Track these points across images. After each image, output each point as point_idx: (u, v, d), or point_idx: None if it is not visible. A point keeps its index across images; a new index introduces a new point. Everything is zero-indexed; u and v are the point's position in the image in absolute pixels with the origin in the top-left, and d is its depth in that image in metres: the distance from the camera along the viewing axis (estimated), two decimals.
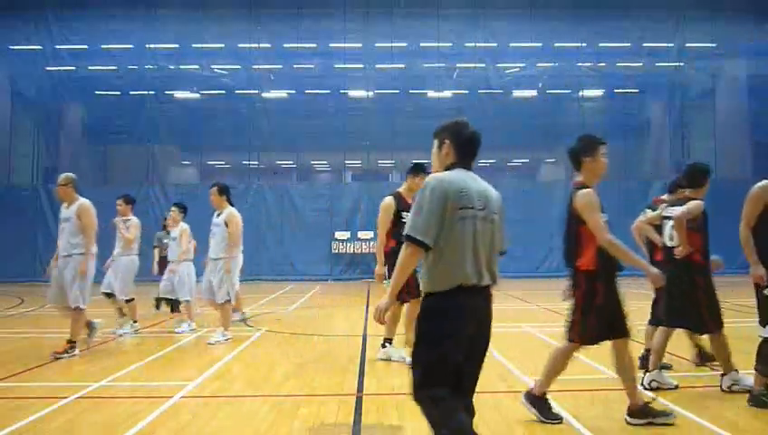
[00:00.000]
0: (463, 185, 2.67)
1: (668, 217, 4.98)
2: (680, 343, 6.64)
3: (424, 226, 2.56)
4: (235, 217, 7.20)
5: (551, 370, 4.12)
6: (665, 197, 5.78)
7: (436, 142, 2.93)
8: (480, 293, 2.66)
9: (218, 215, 7.27)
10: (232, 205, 7.29)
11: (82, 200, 6.52)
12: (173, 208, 8.45)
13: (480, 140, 2.98)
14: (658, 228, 5.37)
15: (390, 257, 5.63)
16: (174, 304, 8.89)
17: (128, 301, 7.95)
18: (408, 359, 5.02)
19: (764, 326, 4.17)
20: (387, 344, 5.94)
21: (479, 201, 2.68)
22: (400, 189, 6.04)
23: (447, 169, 2.80)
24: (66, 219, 6.45)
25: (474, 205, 2.64)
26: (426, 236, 2.56)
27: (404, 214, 5.70)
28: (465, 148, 2.90)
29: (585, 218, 3.86)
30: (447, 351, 2.62)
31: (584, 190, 3.86)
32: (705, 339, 5.22)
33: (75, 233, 6.42)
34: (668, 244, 5.03)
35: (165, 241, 9.30)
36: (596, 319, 3.97)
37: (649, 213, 5.72)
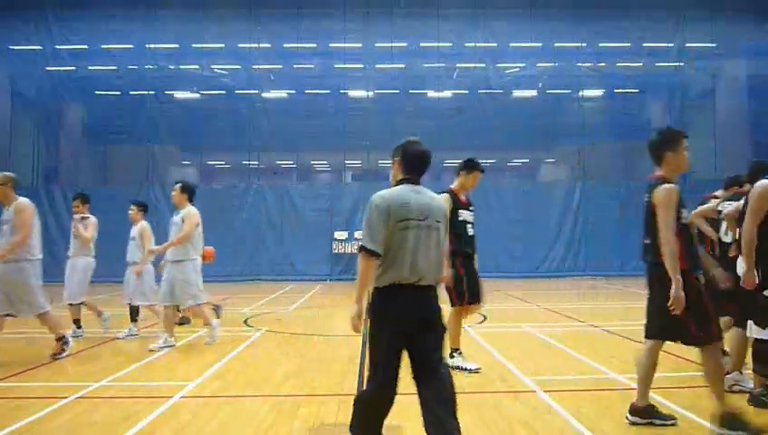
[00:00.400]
0: (404, 199, 3.03)
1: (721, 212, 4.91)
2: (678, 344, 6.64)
3: (374, 237, 2.98)
4: (193, 216, 6.86)
5: (645, 377, 4.00)
6: (718, 193, 5.59)
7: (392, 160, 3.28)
8: (418, 290, 3.04)
9: (177, 214, 6.98)
10: (192, 204, 7.02)
11: (20, 200, 6.18)
12: (131, 207, 7.95)
13: (427, 157, 3.20)
14: (714, 223, 5.20)
15: (449, 259, 5.33)
16: (133, 311, 7.78)
17: (76, 304, 7.63)
18: (472, 365, 5.22)
19: (764, 328, 4.10)
20: (455, 354, 5.49)
21: (420, 213, 3.03)
22: (453, 187, 5.69)
23: (398, 183, 3.15)
24: (5, 221, 6.06)
25: (413, 217, 3.01)
26: (375, 246, 2.97)
27: (461, 212, 5.50)
28: (411, 164, 3.18)
29: (657, 213, 3.75)
30: (380, 343, 3.09)
31: (665, 186, 3.75)
32: None
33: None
34: (723, 239, 4.97)
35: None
36: (695, 315, 3.75)
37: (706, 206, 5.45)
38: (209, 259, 8.72)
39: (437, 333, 3.11)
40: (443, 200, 3.67)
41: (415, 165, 3.17)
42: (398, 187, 3.13)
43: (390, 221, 2.98)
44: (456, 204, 5.51)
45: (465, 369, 5.35)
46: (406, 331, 3.02)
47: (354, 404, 3.23)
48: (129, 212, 7.93)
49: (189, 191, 7.04)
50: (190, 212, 6.88)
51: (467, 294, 5.45)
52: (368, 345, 3.17)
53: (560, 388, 4.81)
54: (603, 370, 5.45)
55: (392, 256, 3.00)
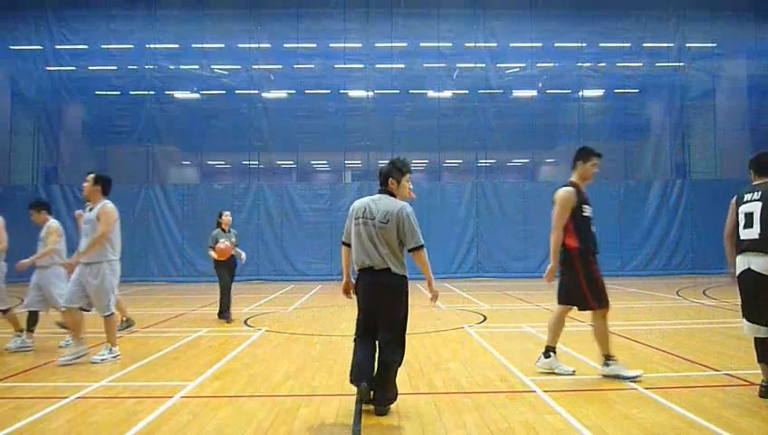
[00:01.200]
0: (363, 204, 4.31)
1: None
2: (678, 342, 6.64)
3: (346, 232, 4.37)
4: (109, 212, 6.06)
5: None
6: None
7: None
8: (370, 272, 4.20)
9: (90, 209, 6.18)
10: (107, 198, 6.25)
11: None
12: (31, 211, 7.25)
13: (382, 172, 4.42)
14: None
15: (572, 257, 5.09)
16: (32, 317, 6.99)
17: (3, 311, 6.95)
18: (568, 369, 5.31)
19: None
20: (551, 354, 5.27)
21: (370, 213, 4.23)
22: (573, 179, 5.25)
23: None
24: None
25: (364, 216, 4.24)
26: (346, 238, 4.38)
27: (584, 207, 5.12)
28: (379, 178, 4.44)
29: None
30: (359, 308, 4.39)
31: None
32: None
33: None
34: None
35: (222, 240, 8.89)
36: None
37: None
38: (224, 257, 8.87)
39: (384, 308, 4.29)
40: (565, 195, 5.02)
41: (381, 179, 4.45)
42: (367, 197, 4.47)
43: (352, 220, 4.35)
44: (580, 198, 5.14)
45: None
46: (368, 303, 4.39)
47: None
48: (31, 216, 7.23)
49: (104, 183, 6.22)
50: (107, 208, 6.07)
51: (605, 297, 5.08)
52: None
53: (560, 388, 4.81)
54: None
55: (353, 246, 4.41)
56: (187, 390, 4.88)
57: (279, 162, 21.48)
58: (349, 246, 4.33)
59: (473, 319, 9.03)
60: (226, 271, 9.13)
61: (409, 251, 4.22)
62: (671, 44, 19.17)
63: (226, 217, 9.27)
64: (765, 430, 3.76)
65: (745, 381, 4.94)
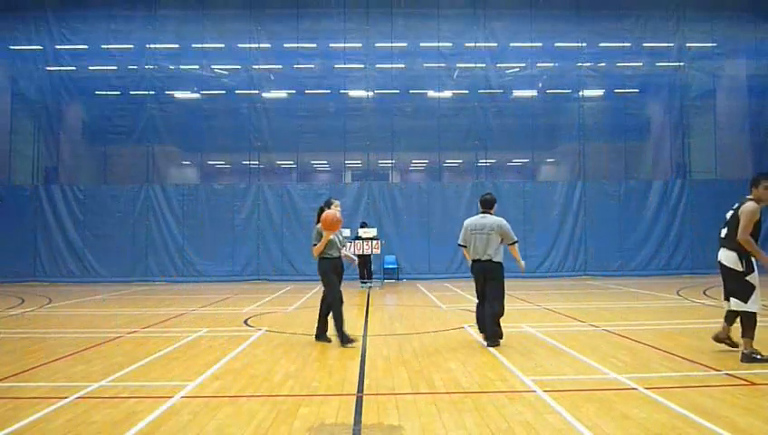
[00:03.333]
0: (473, 221, 7.00)
1: None
2: (678, 342, 6.64)
3: (462, 237, 7.02)
4: None
5: None
6: None
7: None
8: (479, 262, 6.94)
9: None
10: None
11: None
12: None
13: (485, 200, 7.20)
14: None
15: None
16: None
17: None
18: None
19: (746, 302, 5.60)
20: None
21: (477, 227, 6.90)
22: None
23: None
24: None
25: (474, 229, 6.90)
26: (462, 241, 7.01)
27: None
28: (481, 205, 7.09)
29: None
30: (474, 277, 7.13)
31: None
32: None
33: None
34: None
35: (340, 238, 7.40)
36: None
37: None
38: (335, 228, 7.02)
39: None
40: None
41: (483, 205, 7.17)
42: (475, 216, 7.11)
43: (467, 232, 7.01)
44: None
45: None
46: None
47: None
48: None
49: None
50: None
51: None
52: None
53: (560, 388, 4.81)
54: (603, 370, 5.45)
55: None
56: (187, 390, 4.88)
57: (279, 162, 21.46)
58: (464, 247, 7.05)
59: (473, 319, 9.02)
60: (337, 276, 7.15)
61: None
62: (671, 44, 19.17)
63: (336, 206, 7.42)
64: (765, 429, 3.76)
65: (745, 380, 4.94)
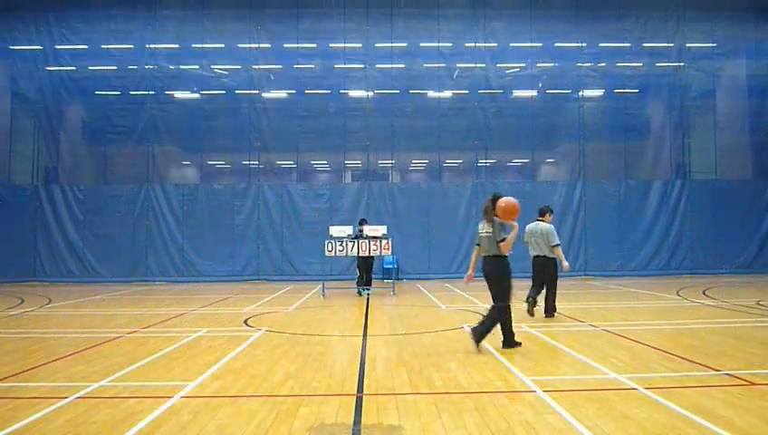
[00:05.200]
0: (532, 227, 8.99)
1: None
2: (678, 342, 6.64)
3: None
4: None
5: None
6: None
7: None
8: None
9: None
10: None
11: None
12: None
13: (538, 210, 9.40)
14: None
15: None
16: None
17: None
18: None
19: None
20: None
21: (526, 233, 9.21)
22: None
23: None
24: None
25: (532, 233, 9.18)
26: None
27: None
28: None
29: None
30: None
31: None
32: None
33: None
34: None
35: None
36: None
37: None
38: (513, 216, 6.88)
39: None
40: None
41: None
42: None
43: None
44: None
45: None
46: None
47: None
48: None
49: None
50: None
51: None
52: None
53: (560, 388, 4.81)
54: (603, 370, 5.45)
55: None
56: (187, 390, 4.88)
57: (279, 162, 21.46)
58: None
59: (473, 319, 9.03)
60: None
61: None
62: (671, 44, 19.17)
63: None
64: (765, 429, 3.76)
65: (745, 381, 4.94)
